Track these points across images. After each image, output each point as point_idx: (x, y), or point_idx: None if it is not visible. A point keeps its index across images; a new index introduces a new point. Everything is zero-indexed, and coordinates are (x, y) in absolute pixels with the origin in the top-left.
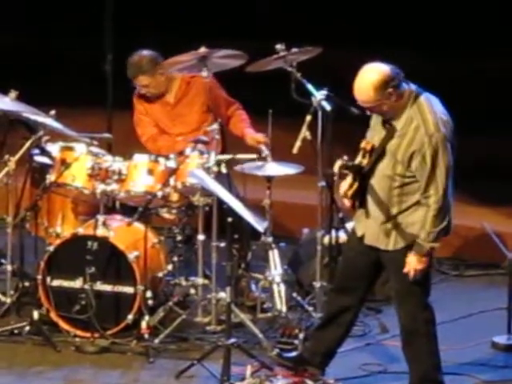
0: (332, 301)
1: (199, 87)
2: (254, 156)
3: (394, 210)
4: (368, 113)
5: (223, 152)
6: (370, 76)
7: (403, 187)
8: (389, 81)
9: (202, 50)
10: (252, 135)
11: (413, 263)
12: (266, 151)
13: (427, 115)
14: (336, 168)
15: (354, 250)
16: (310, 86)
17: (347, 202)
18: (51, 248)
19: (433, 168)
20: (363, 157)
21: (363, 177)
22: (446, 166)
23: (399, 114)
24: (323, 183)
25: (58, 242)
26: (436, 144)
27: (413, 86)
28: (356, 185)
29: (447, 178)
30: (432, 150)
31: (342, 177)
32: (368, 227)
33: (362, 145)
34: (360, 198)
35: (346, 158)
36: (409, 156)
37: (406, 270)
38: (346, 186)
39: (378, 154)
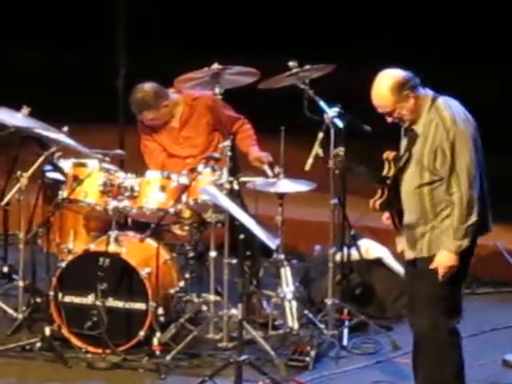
0: None
1: (202, 108)
2: (256, 178)
3: (429, 217)
4: (389, 120)
5: (234, 169)
6: (385, 80)
7: (433, 193)
8: (405, 82)
9: (215, 66)
10: (255, 154)
11: (441, 259)
12: (269, 171)
13: (443, 113)
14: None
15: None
16: (322, 103)
17: (385, 219)
18: (63, 264)
19: (453, 163)
20: (389, 167)
21: (391, 187)
22: (468, 161)
23: (418, 118)
24: (335, 200)
25: (69, 258)
26: (453, 138)
27: (429, 91)
28: (385, 195)
29: (470, 173)
30: (450, 145)
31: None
32: (406, 240)
33: (384, 156)
34: (397, 214)
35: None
36: (433, 156)
37: (433, 265)
38: (376, 197)
39: (403, 161)
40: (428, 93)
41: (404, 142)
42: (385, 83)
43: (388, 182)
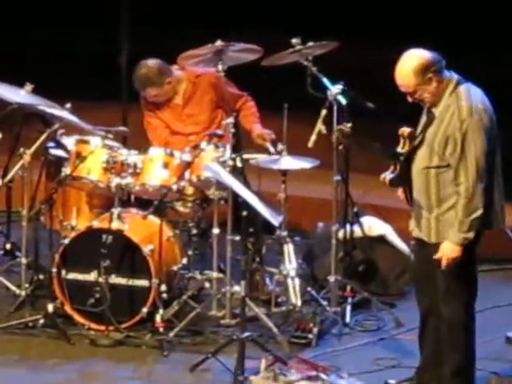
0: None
1: (205, 85)
2: (260, 155)
3: (434, 202)
4: (410, 100)
5: (237, 146)
6: (410, 61)
7: (439, 177)
8: (429, 66)
9: (218, 43)
10: (258, 132)
11: (445, 250)
12: (271, 148)
13: (462, 102)
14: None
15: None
16: (325, 80)
17: (400, 193)
18: (66, 241)
19: (463, 154)
20: (403, 143)
21: (404, 163)
22: (478, 153)
23: (439, 101)
24: (338, 177)
25: (72, 234)
26: (466, 129)
27: (455, 75)
28: (397, 171)
29: (479, 166)
30: (462, 135)
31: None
32: (414, 218)
33: (400, 132)
34: (410, 192)
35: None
36: (444, 142)
37: (437, 256)
38: (387, 172)
39: (418, 140)
40: (453, 76)
41: (423, 120)
42: (409, 64)
43: (401, 158)
